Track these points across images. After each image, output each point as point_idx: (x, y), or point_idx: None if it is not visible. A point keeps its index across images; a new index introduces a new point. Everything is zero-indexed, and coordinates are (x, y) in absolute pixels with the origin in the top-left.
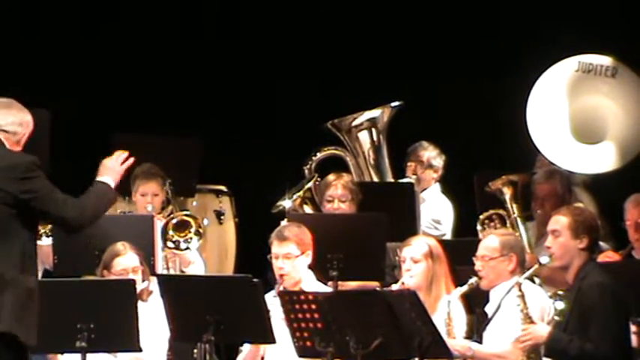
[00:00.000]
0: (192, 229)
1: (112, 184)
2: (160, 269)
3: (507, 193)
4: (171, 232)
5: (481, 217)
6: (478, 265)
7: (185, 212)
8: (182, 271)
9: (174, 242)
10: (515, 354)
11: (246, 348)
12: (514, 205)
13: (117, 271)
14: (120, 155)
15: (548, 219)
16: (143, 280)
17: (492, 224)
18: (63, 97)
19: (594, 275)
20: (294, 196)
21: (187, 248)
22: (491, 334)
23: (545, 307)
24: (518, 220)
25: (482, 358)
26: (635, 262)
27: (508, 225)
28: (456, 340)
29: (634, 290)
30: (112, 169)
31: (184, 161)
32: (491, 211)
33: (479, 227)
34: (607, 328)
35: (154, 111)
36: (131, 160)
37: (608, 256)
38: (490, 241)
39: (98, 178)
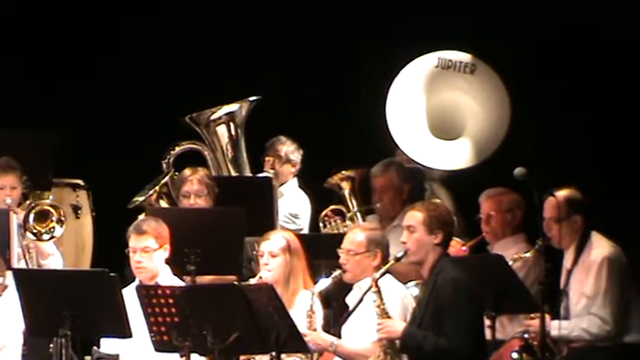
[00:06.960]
0: (54, 218)
1: None
2: (16, 263)
3: (346, 188)
4: (32, 222)
5: (322, 214)
6: (342, 258)
7: (47, 201)
8: (39, 265)
9: (34, 233)
10: (375, 352)
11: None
12: (353, 200)
13: None
14: None
15: (388, 211)
16: None
17: (332, 220)
18: None
19: (449, 270)
20: (150, 191)
21: (52, 237)
22: (351, 329)
23: (407, 305)
24: (358, 214)
25: (343, 353)
26: (488, 257)
27: (347, 219)
28: (319, 333)
29: (487, 284)
30: None
31: (39, 155)
32: (331, 207)
33: (320, 224)
34: (461, 323)
35: (9, 105)
36: None
37: (451, 245)
38: (356, 236)
39: None
